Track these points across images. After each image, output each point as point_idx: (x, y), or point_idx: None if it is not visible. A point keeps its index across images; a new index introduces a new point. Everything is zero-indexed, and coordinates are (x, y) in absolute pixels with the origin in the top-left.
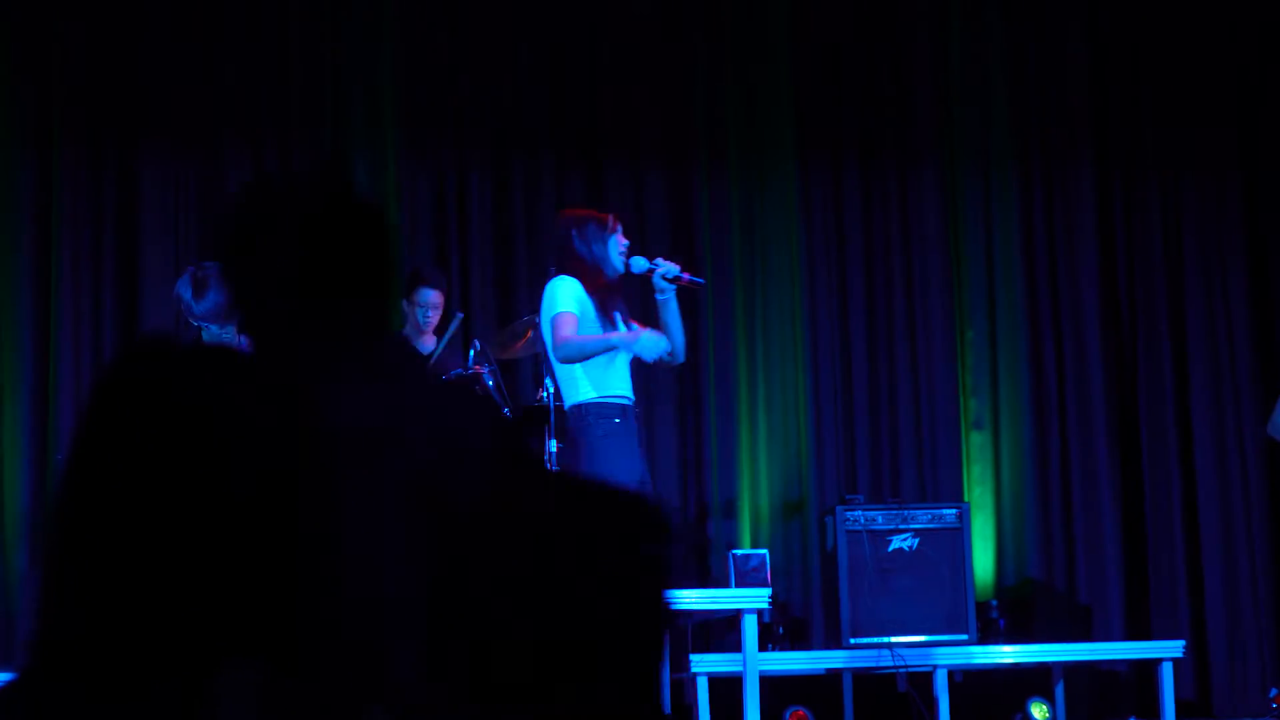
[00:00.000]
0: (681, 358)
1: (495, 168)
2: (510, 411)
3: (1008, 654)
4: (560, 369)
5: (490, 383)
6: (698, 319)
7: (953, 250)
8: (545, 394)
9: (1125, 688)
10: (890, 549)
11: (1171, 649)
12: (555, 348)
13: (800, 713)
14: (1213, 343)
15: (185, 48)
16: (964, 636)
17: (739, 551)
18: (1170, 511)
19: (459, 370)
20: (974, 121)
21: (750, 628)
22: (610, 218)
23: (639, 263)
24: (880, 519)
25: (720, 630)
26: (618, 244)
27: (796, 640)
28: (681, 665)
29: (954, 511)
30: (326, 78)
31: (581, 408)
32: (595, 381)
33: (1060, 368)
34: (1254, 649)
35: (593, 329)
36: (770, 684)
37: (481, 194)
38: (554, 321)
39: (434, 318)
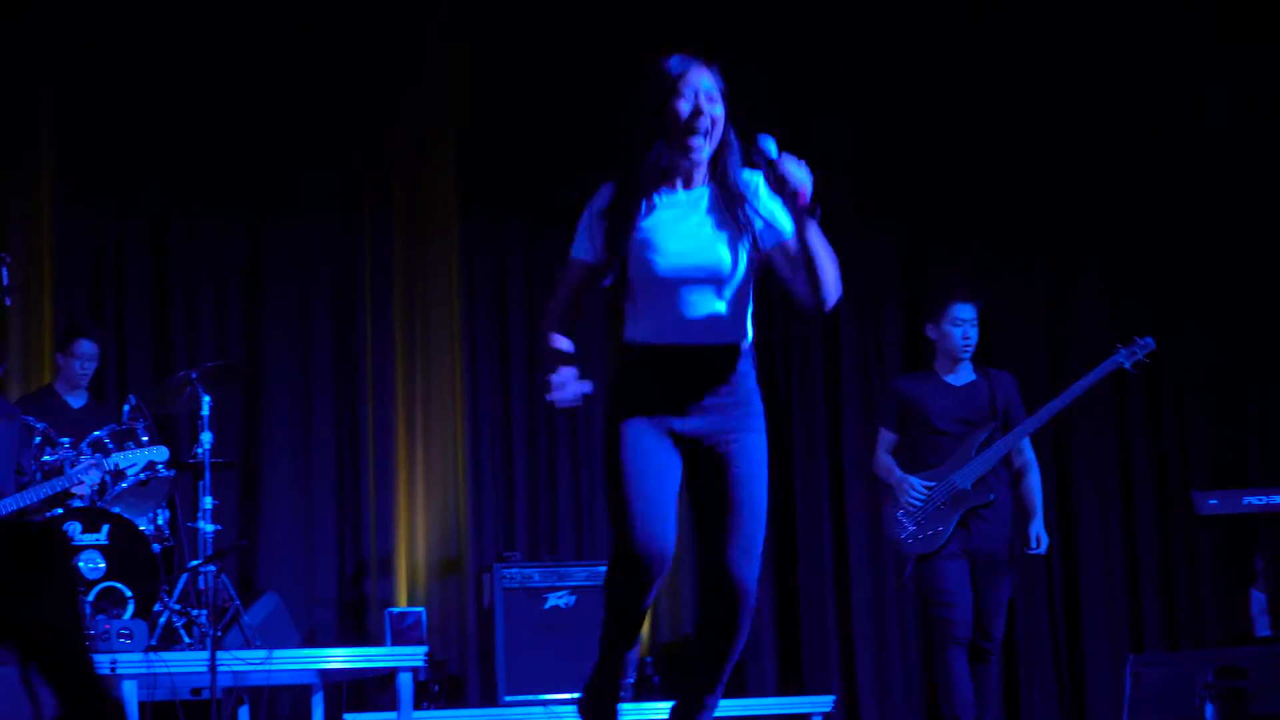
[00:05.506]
0: (829, 295)
1: (153, 222)
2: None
3: (663, 710)
4: None
5: (145, 438)
6: (357, 371)
7: (614, 312)
8: (200, 450)
9: None
10: (547, 606)
11: (822, 704)
12: None
13: None
14: (867, 390)
15: None
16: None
17: (395, 609)
18: (822, 569)
19: (113, 425)
20: None
21: (405, 686)
22: (675, 73)
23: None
24: (537, 577)
25: (375, 689)
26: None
27: (453, 698)
28: None
29: None
30: None
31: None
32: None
33: None
34: (901, 704)
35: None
36: None
37: (139, 247)
38: None
39: (90, 370)
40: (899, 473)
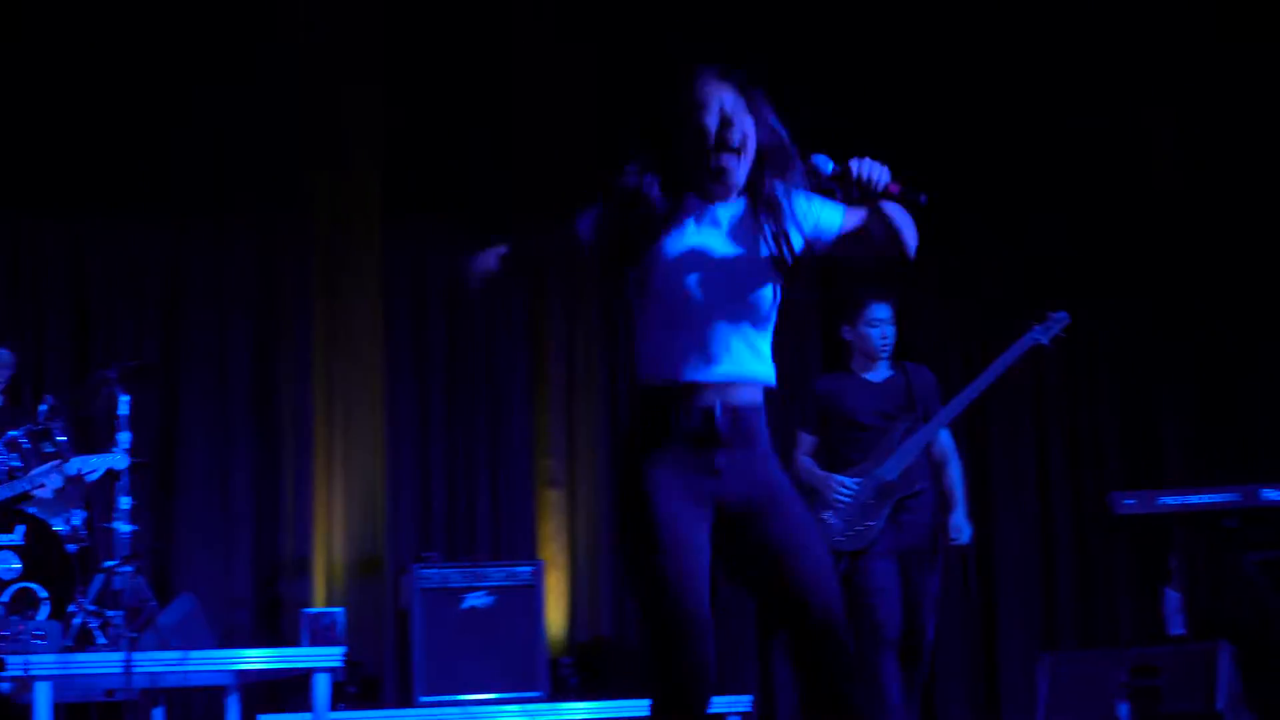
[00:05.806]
0: (910, 244)
1: (71, 224)
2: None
3: (580, 710)
4: None
5: (63, 438)
6: (274, 371)
7: (535, 307)
8: (118, 450)
9: None
10: (465, 606)
11: (739, 703)
12: None
13: None
14: (791, 392)
15: None
16: (537, 694)
17: (311, 610)
18: None
19: (30, 426)
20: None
21: (322, 687)
22: (697, 87)
23: None
24: (455, 577)
25: (292, 690)
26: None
27: (369, 698)
28: None
29: (529, 569)
30: None
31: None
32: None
33: None
34: None
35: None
36: None
37: (55, 251)
38: None
39: (5, 378)
40: (820, 472)
